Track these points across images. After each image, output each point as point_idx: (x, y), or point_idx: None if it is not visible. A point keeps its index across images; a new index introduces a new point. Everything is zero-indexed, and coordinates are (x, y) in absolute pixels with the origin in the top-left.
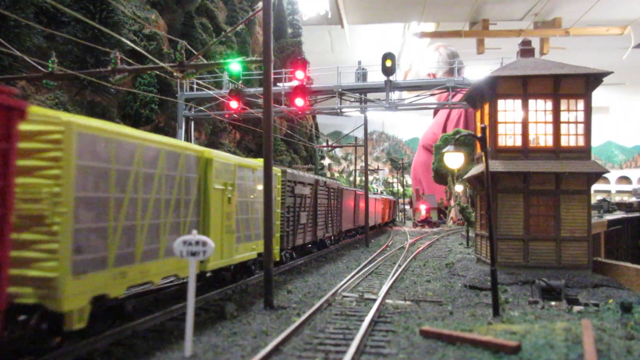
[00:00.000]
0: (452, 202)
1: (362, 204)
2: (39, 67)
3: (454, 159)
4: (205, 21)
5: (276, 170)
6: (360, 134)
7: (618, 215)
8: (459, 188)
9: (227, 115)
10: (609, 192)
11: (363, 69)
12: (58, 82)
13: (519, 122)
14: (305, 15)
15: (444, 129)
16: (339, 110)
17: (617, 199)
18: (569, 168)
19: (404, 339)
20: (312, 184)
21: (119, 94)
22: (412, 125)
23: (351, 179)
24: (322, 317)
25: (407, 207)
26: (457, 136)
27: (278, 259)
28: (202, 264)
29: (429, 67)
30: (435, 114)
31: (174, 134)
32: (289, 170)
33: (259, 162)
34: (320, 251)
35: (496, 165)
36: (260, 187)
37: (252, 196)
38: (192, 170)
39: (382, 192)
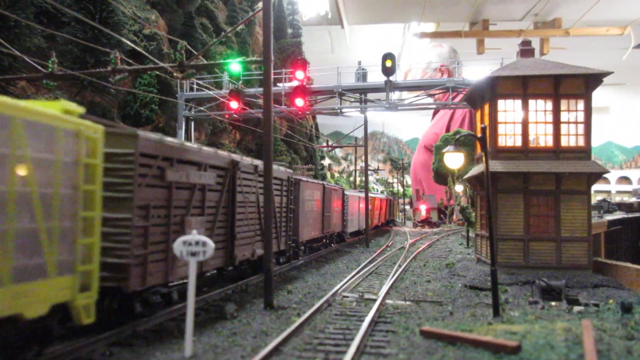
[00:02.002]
0: (452, 203)
1: (336, 203)
2: (39, 68)
3: (454, 159)
4: (205, 21)
5: (88, 126)
6: (360, 134)
7: (618, 215)
8: (459, 188)
9: (227, 116)
10: (609, 192)
11: (363, 69)
12: (58, 82)
13: (519, 122)
14: (305, 16)
15: (448, 129)
16: (339, 111)
17: (617, 199)
18: (569, 168)
19: (404, 339)
20: (225, 167)
21: (119, 94)
22: (412, 125)
23: (351, 179)
24: (322, 318)
25: (407, 207)
26: (457, 136)
27: (93, 319)
28: None
29: (441, 60)
30: (434, 114)
31: (174, 134)
32: (152, 136)
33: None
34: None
35: (496, 166)
36: (66, 159)
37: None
38: None
39: (382, 192)
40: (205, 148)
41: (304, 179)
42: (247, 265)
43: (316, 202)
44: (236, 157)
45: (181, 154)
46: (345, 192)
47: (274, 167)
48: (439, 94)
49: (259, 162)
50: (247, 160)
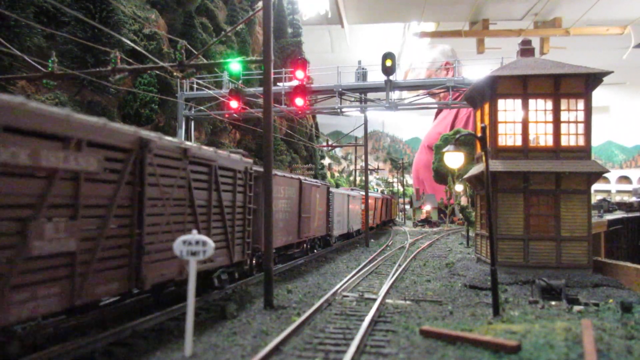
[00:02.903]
0: (452, 202)
1: (319, 203)
2: (39, 67)
3: (454, 159)
4: (205, 21)
5: None
6: (360, 133)
7: (618, 215)
8: (459, 188)
9: (227, 115)
10: (609, 191)
11: (363, 68)
12: (58, 81)
13: (519, 121)
14: (305, 15)
15: (452, 129)
16: (339, 110)
17: (617, 198)
18: (569, 168)
19: (404, 338)
20: (125, 148)
21: (119, 93)
22: (412, 125)
23: (351, 178)
24: (322, 317)
25: (407, 206)
26: (457, 136)
27: None
28: None
29: (445, 58)
30: (437, 114)
31: (174, 134)
32: None
33: None
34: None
35: (496, 165)
36: None
37: None
38: None
39: (382, 192)
40: (79, 116)
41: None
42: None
43: (290, 200)
44: (148, 134)
45: (20, 119)
46: (331, 190)
47: (223, 153)
48: (439, 93)
49: (192, 145)
50: (169, 140)
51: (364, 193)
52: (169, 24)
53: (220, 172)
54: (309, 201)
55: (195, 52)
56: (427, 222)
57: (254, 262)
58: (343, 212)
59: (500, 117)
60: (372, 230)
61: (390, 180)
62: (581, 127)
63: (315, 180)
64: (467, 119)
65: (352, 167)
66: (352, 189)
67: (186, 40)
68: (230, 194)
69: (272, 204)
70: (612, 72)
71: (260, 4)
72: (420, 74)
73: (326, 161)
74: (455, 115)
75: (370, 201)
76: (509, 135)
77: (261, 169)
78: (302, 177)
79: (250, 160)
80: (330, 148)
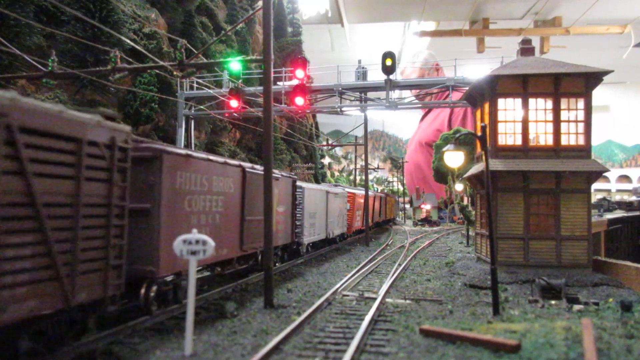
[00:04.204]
0: (452, 201)
1: (278, 200)
2: (39, 66)
3: (454, 158)
4: (205, 20)
5: None
6: (360, 132)
7: (618, 214)
8: (459, 187)
9: (227, 114)
10: (609, 191)
11: (363, 67)
12: (58, 81)
13: (519, 120)
14: (305, 14)
15: (450, 125)
16: (339, 109)
17: (617, 197)
18: (569, 167)
19: (404, 337)
20: None
21: (119, 92)
22: (412, 124)
23: (351, 177)
24: (322, 316)
25: (407, 206)
26: (457, 135)
27: None
28: None
29: (438, 59)
30: (426, 113)
31: (174, 133)
32: None
33: None
34: None
35: (496, 164)
36: None
37: None
38: None
39: (382, 191)
40: None
41: (179, 150)
42: None
43: (225, 197)
44: None
45: None
46: (300, 184)
47: (41, 106)
48: (438, 92)
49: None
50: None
51: (350, 190)
52: (169, 23)
53: (32, 140)
54: (259, 198)
55: (195, 51)
56: (427, 221)
57: (147, 294)
58: (319, 213)
59: (500, 116)
60: (362, 233)
61: (390, 179)
62: (581, 126)
63: (275, 170)
64: (463, 114)
65: (352, 167)
66: (335, 185)
67: (186, 39)
68: (67, 182)
69: (271, 205)
70: (613, 71)
71: (260, 3)
72: (412, 75)
73: (326, 160)
74: (451, 111)
75: (360, 200)
76: (509, 135)
77: (166, 147)
78: (247, 165)
79: (126, 128)
80: (330, 147)
